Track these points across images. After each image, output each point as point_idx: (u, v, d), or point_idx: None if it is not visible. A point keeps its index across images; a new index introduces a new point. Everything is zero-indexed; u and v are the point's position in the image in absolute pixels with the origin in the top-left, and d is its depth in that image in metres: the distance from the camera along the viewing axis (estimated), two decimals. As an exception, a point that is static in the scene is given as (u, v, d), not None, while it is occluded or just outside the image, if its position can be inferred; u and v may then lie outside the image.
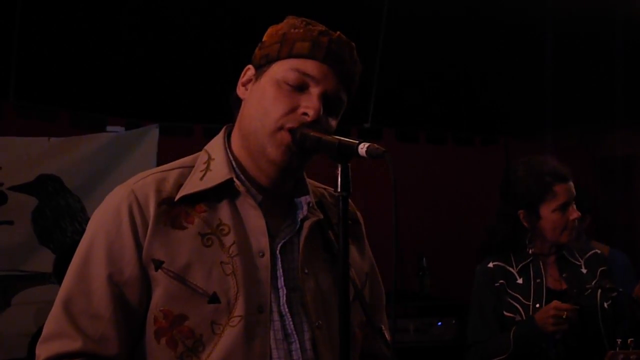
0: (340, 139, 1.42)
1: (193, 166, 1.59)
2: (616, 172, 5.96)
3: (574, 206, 2.85)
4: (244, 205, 1.54)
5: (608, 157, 6.07)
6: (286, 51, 1.55)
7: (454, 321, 4.53)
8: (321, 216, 1.62)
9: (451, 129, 5.62)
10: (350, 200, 1.43)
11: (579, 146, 6.08)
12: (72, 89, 4.72)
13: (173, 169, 1.59)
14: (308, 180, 1.67)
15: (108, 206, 1.53)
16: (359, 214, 1.78)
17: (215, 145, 1.62)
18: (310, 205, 1.61)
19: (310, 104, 1.51)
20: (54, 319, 1.48)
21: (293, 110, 1.52)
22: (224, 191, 1.54)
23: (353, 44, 1.61)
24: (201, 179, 1.55)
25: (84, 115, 4.57)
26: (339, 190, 1.40)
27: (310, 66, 1.53)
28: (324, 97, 1.53)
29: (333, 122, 1.57)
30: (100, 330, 1.46)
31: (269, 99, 1.53)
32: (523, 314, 2.75)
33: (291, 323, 1.51)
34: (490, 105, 5.73)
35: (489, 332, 2.79)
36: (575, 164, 3.54)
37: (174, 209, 1.51)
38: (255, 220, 1.53)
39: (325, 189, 1.74)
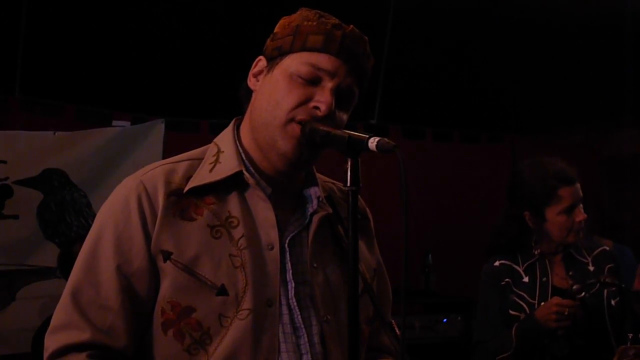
0: (350, 133, 1.41)
1: (202, 158, 1.58)
2: (624, 171, 5.94)
3: (581, 208, 2.82)
4: (254, 198, 1.54)
5: (616, 156, 6.05)
6: (299, 44, 1.53)
7: (459, 318, 4.53)
8: (330, 210, 1.61)
9: (457, 126, 5.60)
10: (359, 197, 1.41)
11: (586, 144, 6.06)
12: (78, 83, 4.73)
13: (182, 160, 1.58)
14: (317, 175, 1.66)
15: (117, 197, 1.53)
16: (368, 210, 1.77)
17: (225, 137, 1.62)
18: (320, 199, 1.60)
19: (322, 99, 1.50)
20: (62, 310, 1.48)
21: (304, 102, 1.50)
22: (233, 183, 1.53)
23: (366, 37, 1.59)
24: (210, 171, 1.54)
25: (89, 110, 4.56)
26: (348, 184, 1.39)
27: (323, 60, 1.51)
28: (337, 91, 1.52)
29: (344, 117, 1.56)
30: (109, 321, 1.45)
31: (280, 91, 1.52)
32: (528, 312, 2.74)
33: (299, 317, 1.50)
34: (496, 103, 5.72)
35: (494, 331, 2.78)
36: (583, 163, 3.53)
37: (182, 201, 1.50)
38: (264, 212, 1.53)
39: (334, 183, 1.73)
